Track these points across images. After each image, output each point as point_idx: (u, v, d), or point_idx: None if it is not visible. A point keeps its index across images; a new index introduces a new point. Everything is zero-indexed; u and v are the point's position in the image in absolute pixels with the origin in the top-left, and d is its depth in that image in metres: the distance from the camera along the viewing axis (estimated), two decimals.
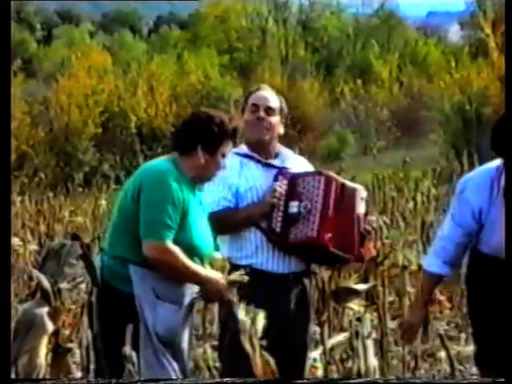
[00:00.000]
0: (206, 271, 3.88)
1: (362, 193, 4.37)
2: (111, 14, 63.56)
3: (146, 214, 3.76)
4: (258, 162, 4.40)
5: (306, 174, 4.44)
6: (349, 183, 4.48)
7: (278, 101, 4.48)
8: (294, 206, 4.26)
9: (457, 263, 4.19)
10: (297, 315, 4.37)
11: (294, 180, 4.35)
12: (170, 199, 3.77)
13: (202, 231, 3.93)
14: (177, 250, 3.77)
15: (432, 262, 4.21)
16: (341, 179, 4.45)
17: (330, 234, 4.22)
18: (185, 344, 3.84)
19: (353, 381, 3.40)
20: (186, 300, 3.87)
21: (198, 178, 3.93)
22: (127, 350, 3.43)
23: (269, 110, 4.40)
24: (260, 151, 4.42)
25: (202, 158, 3.90)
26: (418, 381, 3.72)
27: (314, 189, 4.29)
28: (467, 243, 4.12)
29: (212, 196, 4.24)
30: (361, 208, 4.33)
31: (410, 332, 4.30)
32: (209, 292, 3.88)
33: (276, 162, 4.45)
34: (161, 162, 3.94)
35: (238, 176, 4.34)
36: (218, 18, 42.56)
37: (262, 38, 39.88)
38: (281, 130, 4.46)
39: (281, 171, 4.39)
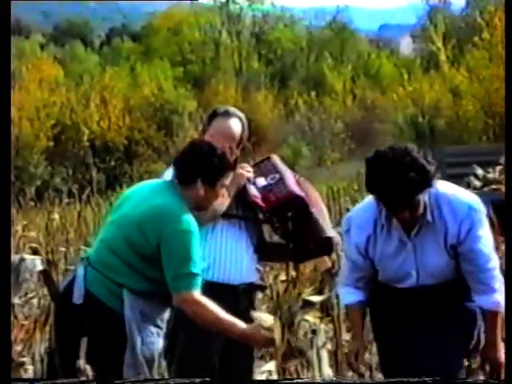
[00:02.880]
0: (242, 327, 3.82)
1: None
2: (62, 26, 63.12)
3: (172, 267, 3.75)
4: None
5: (257, 162, 4.60)
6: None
7: (241, 130, 4.41)
8: (261, 182, 4.42)
9: (369, 287, 4.11)
10: None
11: (253, 168, 4.51)
12: (194, 246, 3.76)
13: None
14: (207, 301, 3.79)
15: (345, 295, 4.17)
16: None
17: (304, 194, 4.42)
18: (162, 369, 3.87)
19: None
20: (165, 325, 3.90)
21: (196, 208, 3.91)
22: (81, 363, 3.42)
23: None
24: None
25: (202, 190, 3.88)
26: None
27: (274, 166, 4.51)
28: (365, 276, 4.07)
29: None
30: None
31: (356, 359, 4.19)
32: (252, 344, 3.96)
33: None
34: (171, 198, 3.85)
35: None
36: (171, 30, 42.59)
37: (216, 50, 39.95)
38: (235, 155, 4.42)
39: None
